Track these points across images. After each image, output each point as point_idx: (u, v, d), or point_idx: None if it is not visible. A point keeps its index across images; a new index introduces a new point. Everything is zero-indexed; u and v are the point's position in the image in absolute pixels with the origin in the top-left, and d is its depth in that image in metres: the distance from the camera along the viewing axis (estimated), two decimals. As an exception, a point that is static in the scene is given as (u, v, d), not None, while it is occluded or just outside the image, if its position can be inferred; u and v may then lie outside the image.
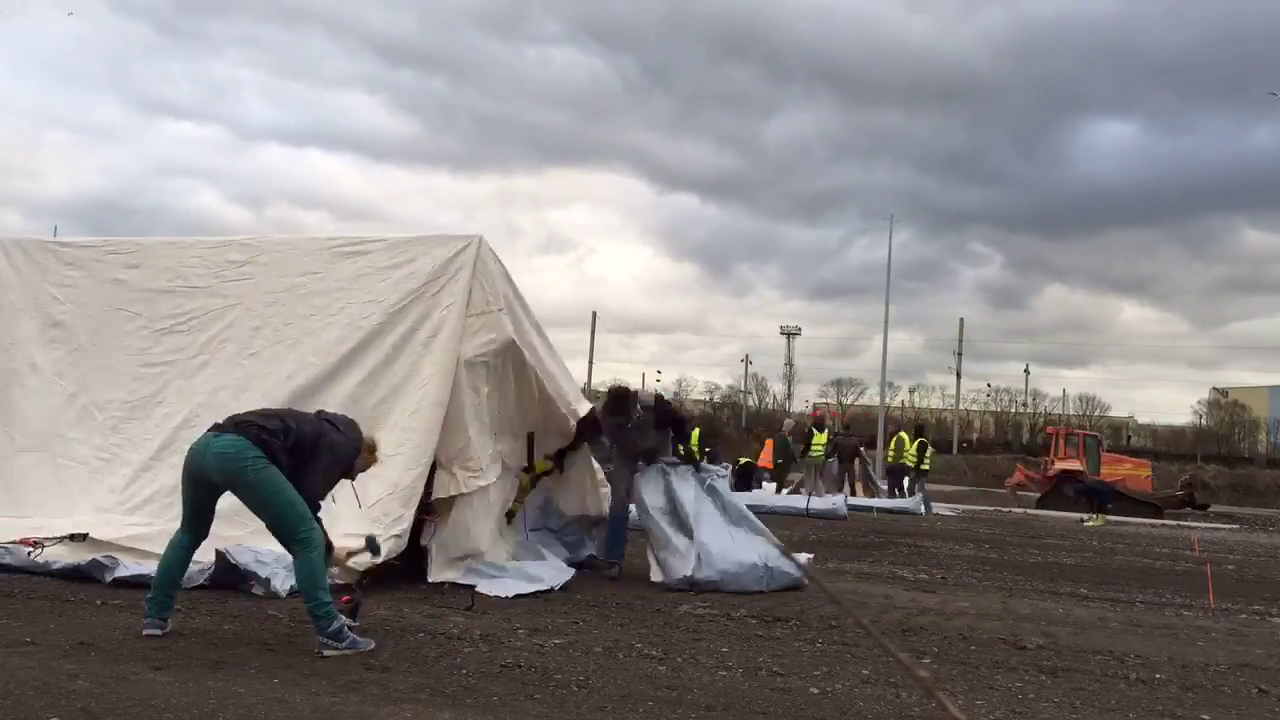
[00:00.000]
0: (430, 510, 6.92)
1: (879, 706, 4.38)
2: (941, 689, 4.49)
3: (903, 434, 25.62)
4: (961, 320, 56.65)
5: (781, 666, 5.06)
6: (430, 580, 6.73)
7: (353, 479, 5.41)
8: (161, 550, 5.15)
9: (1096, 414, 72.04)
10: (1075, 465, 29.60)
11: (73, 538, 6.58)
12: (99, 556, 6.31)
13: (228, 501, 5.06)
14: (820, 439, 20.70)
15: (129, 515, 6.91)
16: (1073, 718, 4.47)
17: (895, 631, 6.18)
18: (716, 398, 70.47)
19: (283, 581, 5.95)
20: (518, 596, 6.55)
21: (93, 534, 6.64)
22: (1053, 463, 30.33)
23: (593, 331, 50.55)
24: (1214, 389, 71.06)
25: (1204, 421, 63.49)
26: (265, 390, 7.14)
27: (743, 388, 71.22)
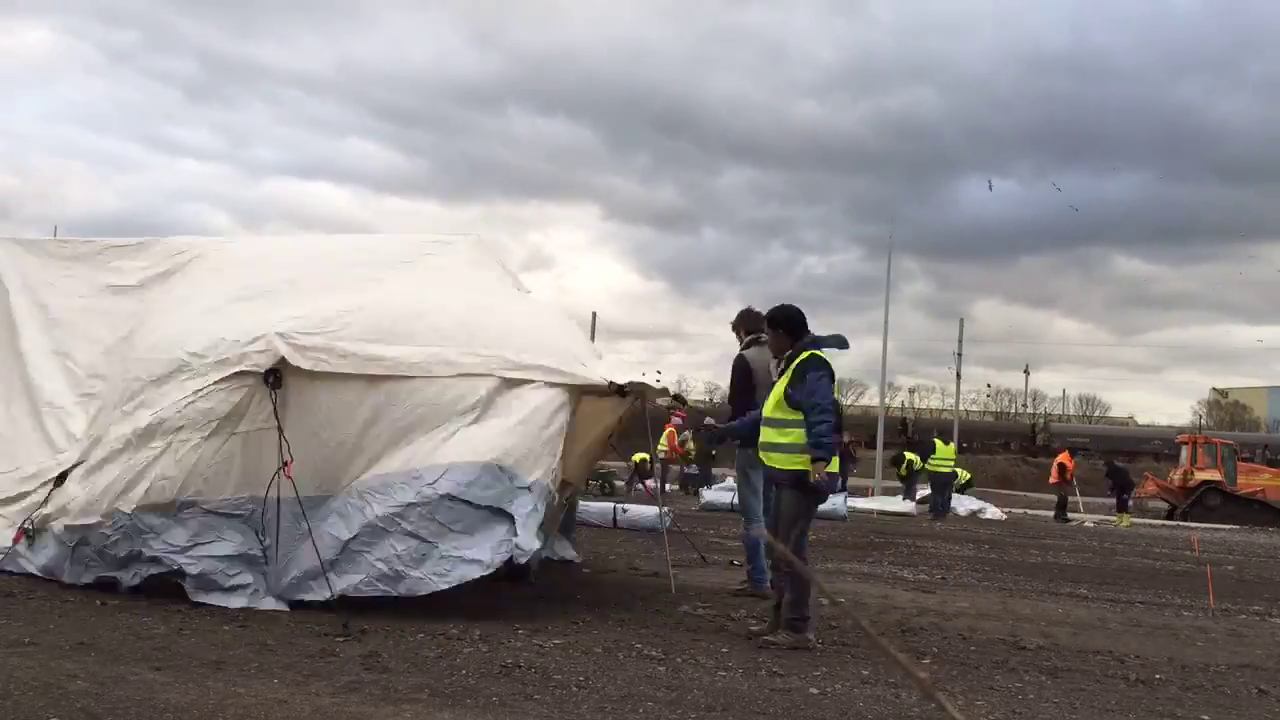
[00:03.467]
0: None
1: (879, 706, 4.38)
2: (941, 689, 4.49)
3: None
4: (961, 321, 56.67)
5: (781, 666, 5.05)
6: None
7: None
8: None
9: (1097, 414, 72.16)
10: (1214, 475, 28.99)
11: (58, 480, 6.49)
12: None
13: None
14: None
15: (101, 449, 6.57)
16: (1073, 718, 4.47)
17: (895, 631, 6.18)
18: (717, 397, 70.67)
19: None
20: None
21: (68, 473, 6.52)
22: (1192, 473, 29.61)
23: (593, 331, 50.91)
24: (1214, 389, 71.45)
25: (1204, 421, 63.55)
26: None
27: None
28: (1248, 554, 15.01)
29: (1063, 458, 22.64)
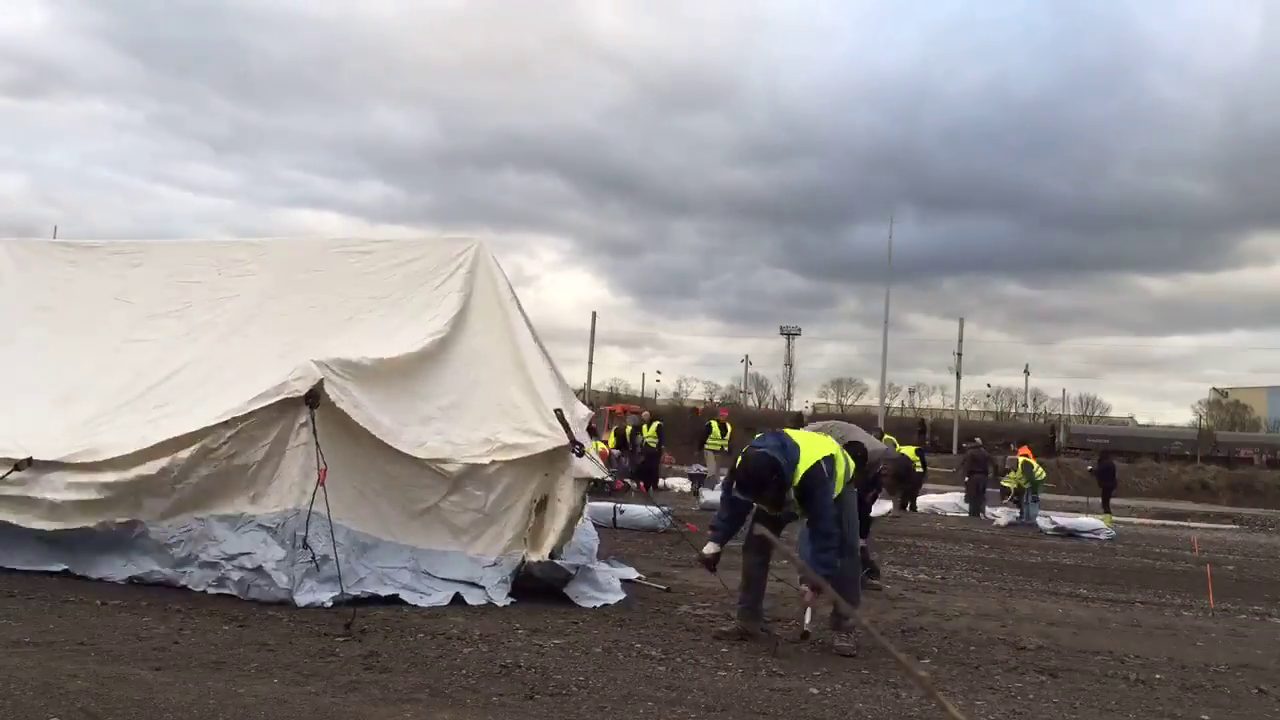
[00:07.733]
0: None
1: (879, 706, 4.38)
2: (941, 689, 4.49)
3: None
4: (961, 321, 56.85)
5: (781, 666, 5.06)
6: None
7: None
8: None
9: (1097, 414, 72.19)
10: None
11: (18, 466, 6.41)
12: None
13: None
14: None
15: (71, 439, 6.64)
16: (1072, 718, 4.47)
17: (895, 631, 6.18)
18: (717, 398, 70.92)
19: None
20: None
21: (35, 456, 6.47)
22: None
23: (593, 331, 51.15)
24: (1214, 389, 71.49)
25: (1204, 421, 63.58)
26: (254, 360, 6.94)
27: (742, 388, 71.63)
28: (1248, 554, 15.00)
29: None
